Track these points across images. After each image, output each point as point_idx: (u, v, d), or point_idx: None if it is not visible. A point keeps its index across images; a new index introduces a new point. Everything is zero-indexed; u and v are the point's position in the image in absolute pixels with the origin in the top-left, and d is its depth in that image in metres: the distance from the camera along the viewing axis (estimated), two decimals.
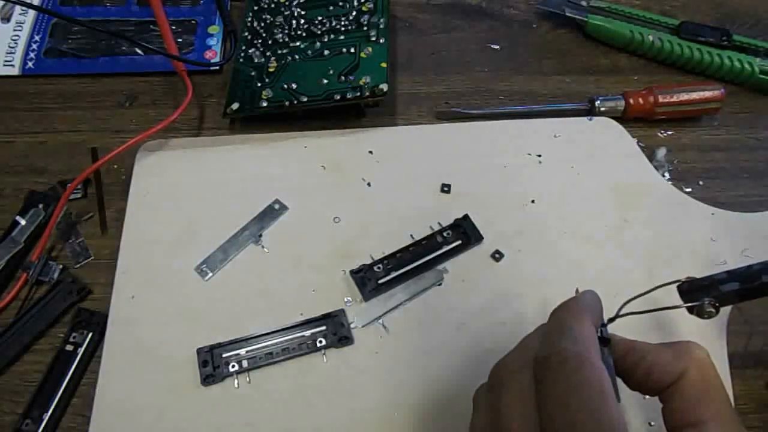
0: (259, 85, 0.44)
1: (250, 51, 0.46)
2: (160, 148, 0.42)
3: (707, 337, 0.36)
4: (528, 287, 0.37)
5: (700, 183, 0.43)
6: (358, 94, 0.42)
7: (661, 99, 0.44)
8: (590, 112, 0.45)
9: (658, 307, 0.28)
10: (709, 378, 0.25)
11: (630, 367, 0.26)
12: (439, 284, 0.38)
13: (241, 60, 0.46)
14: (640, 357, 0.25)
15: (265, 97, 0.43)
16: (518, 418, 0.23)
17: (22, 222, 0.39)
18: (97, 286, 0.38)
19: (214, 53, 0.48)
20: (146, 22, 0.49)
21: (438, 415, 0.34)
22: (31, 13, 0.50)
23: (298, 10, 0.48)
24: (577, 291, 0.29)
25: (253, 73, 0.45)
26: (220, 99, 0.45)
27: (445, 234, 0.39)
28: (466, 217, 0.39)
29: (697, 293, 0.28)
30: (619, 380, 0.26)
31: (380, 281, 0.37)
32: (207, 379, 0.34)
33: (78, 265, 0.39)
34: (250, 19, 0.48)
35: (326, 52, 0.45)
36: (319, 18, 0.47)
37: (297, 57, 0.45)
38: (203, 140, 0.44)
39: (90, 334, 0.36)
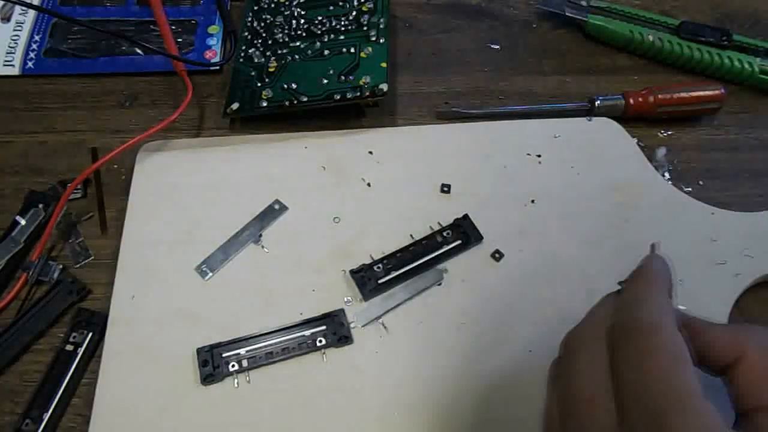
0: (259, 85, 0.44)
1: (250, 51, 0.46)
2: (160, 148, 0.42)
3: None
4: (528, 287, 0.37)
5: (700, 183, 0.43)
6: (358, 94, 0.42)
7: (661, 99, 0.44)
8: (590, 112, 0.45)
9: None
10: None
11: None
12: (439, 284, 0.37)
13: (241, 60, 0.46)
14: (696, 334, 0.24)
15: (265, 97, 0.43)
16: (591, 386, 0.23)
17: (22, 222, 0.39)
18: (97, 286, 0.38)
19: (214, 53, 0.48)
20: (146, 22, 0.49)
21: (438, 415, 0.34)
22: (31, 13, 0.50)
23: (298, 10, 0.48)
24: (652, 247, 0.29)
25: (253, 73, 0.45)
26: (220, 99, 0.45)
27: (445, 234, 0.39)
28: (466, 217, 0.39)
29: None
30: None
31: (380, 281, 0.37)
32: (207, 379, 0.34)
33: (78, 265, 0.39)
34: (250, 19, 0.48)
35: (326, 52, 0.45)
36: (319, 18, 0.47)
37: (297, 57, 0.45)
38: (203, 140, 0.44)
39: (90, 334, 0.36)
